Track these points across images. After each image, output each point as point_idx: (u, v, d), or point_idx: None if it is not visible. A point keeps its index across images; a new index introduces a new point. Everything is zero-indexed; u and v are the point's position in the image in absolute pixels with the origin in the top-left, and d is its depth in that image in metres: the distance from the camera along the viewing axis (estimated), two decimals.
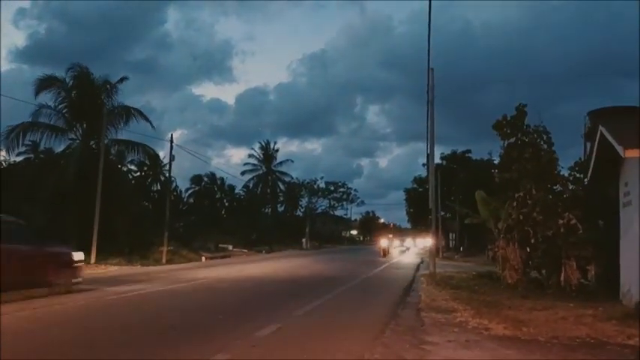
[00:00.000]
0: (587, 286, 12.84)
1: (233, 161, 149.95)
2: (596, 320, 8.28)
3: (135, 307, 10.17)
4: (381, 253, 37.35)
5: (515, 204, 13.96)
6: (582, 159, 15.55)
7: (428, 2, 22.41)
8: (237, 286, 14.61)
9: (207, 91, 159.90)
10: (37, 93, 26.34)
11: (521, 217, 13.59)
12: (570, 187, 14.75)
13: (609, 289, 11.40)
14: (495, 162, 25.61)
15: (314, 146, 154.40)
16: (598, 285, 12.64)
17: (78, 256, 12.36)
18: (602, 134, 11.00)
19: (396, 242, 59.72)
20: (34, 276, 10.65)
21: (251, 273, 19.14)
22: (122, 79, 28.46)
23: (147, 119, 29.03)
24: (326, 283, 15.70)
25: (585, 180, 13.94)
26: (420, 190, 57.84)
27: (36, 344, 6.46)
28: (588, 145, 15.07)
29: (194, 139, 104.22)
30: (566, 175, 14.95)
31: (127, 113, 28.11)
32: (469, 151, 56.11)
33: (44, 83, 26.63)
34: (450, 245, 52.05)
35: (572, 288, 12.38)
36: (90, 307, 10.01)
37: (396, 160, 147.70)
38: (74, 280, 11.82)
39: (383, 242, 40.39)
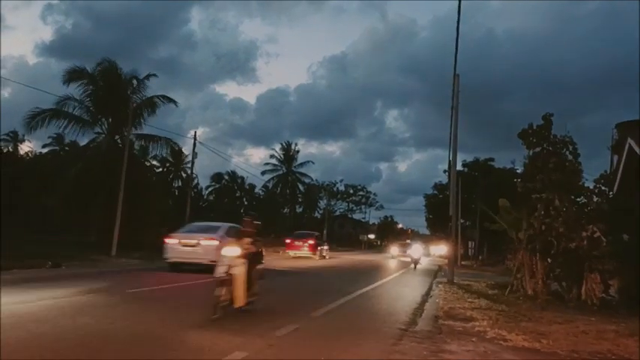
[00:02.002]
0: (609, 301, 12.60)
1: (252, 161, 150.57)
2: (618, 336, 8.13)
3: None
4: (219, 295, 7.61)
5: (537, 214, 13.77)
6: (608, 171, 15.26)
7: (453, 7, 22.20)
8: None
9: (230, 90, 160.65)
10: (64, 83, 26.87)
11: (543, 228, 13.39)
12: (595, 200, 14.49)
13: (632, 305, 11.20)
14: (518, 171, 25.34)
15: (332, 148, 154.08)
16: (620, 300, 12.41)
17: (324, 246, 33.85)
18: (630, 147, 10.84)
19: (394, 249, 42.30)
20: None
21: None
22: (149, 76, 28.80)
23: (171, 100, 29.37)
24: None
25: (611, 193, 13.68)
26: (440, 196, 57.42)
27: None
28: (615, 157, 14.83)
29: (214, 138, 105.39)
30: (591, 187, 14.69)
31: (153, 105, 28.36)
32: (492, 159, 55.68)
33: (73, 75, 27.06)
34: (469, 254, 51.55)
35: (593, 302, 12.15)
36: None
37: (415, 165, 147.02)
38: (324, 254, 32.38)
39: (226, 251, 7.98)
